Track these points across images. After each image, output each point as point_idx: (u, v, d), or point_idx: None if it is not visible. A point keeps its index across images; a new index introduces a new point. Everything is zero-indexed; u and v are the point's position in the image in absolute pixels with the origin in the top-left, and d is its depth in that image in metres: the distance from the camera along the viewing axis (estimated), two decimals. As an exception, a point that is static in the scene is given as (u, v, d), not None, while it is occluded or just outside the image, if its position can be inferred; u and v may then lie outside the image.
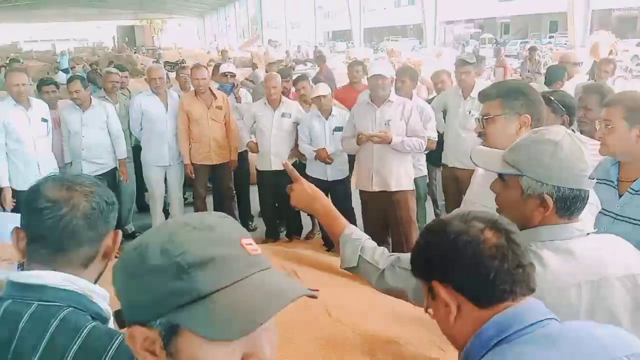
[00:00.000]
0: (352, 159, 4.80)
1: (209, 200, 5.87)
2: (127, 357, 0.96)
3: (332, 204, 1.72)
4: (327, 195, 4.92)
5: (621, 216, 2.11)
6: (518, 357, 0.92)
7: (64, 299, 1.05)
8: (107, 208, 1.13)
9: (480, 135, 2.08)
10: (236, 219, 5.42)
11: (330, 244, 5.12)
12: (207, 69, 5.25)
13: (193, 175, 5.24)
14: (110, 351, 0.99)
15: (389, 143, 3.90)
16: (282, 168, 4.97)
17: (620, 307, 1.28)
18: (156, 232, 0.70)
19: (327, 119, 4.76)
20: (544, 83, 5.29)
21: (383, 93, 3.99)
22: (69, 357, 0.99)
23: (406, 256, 1.46)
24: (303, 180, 1.75)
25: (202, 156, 5.17)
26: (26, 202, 1.09)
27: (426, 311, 1.14)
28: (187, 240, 0.67)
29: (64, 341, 1.00)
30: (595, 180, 1.38)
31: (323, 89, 4.75)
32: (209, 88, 5.14)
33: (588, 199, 1.35)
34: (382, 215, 4.21)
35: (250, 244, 0.70)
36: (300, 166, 5.29)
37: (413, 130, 3.99)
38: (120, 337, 1.02)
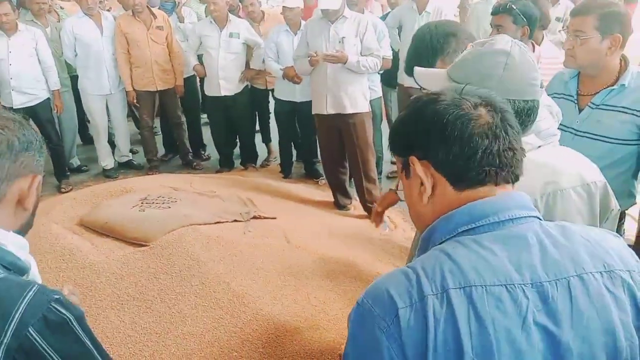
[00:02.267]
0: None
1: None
2: (42, 311, 0.87)
3: None
4: (294, 117, 4.83)
5: (581, 131, 2.07)
6: (457, 251, 0.84)
7: None
8: (18, 146, 0.97)
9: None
10: (187, 148, 5.28)
11: (286, 171, 5.04)
12: (143, -15, 4.80)
13: (136, 102, 4.95)
14: (22, 305, 0.86)
15: (345, 63, 3.72)
16: (232, 93, 4.81)
17: (578, 218, 1.27)
18: None
19: (295, 34, 4.49)
20: None
21: (336, 8, 3.75)
22: None
23: None
24: None
25: (145, 82, 4.86)
26: None
27: (395, 190, 1.06)
28: None
29: None
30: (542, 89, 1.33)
31: (290, 1, 4.42)
32: (147, 7, 4.75)
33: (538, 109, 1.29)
34: (338, 139, 4.11)
35: None
36: (256, 91, 5.08)
37: (368, 48, 3.81)
38: (35, 288, 0.89)
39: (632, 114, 1.96)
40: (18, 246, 0.97)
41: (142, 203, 3.50)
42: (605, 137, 2.02)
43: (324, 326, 2.66)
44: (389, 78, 4.73)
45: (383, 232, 3.95)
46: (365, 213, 4.20)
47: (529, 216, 0.88)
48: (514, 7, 2.62)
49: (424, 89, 1.46)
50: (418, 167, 0.91)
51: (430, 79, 1.45)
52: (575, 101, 2.12)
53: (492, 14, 2.74)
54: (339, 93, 3.87)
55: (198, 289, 2.80)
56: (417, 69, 1.56)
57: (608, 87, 2.01)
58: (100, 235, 3.28)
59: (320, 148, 4.38)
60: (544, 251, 0.84)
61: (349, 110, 3.91)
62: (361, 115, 3.95)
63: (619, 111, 1.98)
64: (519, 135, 0.93)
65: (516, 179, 0.92)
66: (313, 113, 4.12)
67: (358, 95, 3.92)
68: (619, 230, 2.14)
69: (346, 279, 3.15)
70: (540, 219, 0.90)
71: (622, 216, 2.16)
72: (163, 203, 3.50)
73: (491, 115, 0.90)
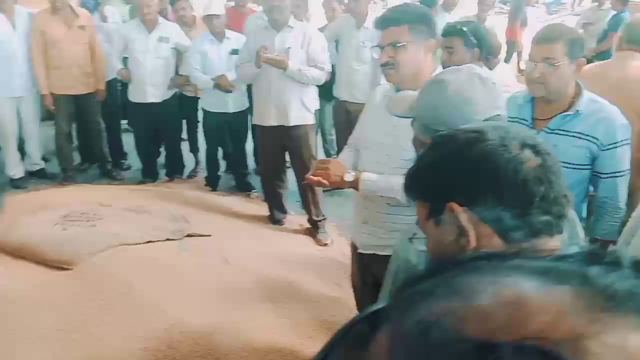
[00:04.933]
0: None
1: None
2: None
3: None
4: (224, 129, 4.61)
5: (537, 157, 2.09)
6: None
7: None
8: None
9: (387, 65, 1.95)
10: (106, 157, 4.90)
11: (214, 184, 4.82)
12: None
13: (53, 107, 4.53)
14: None
15: (285, 69, 3.58)
16: (159, 100, 4.53)
17: None
18: None
19: (221, 41, 4.30)
20: None
21: (279, 16, 3.61)
22: None
23: None
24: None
25: (64, 85, 4.46)
26: None
27: (410, 240, 0.94)
28: None
29: None
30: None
31: (216, 7, 4.22)
32: (69, 5, 4.36)
33: None
34: (280, 151, 3.97)
35: None
36: (184, 98, 4.83)
37: (313, 59, 3.70)
38: None
39: (586, 140, 2.01)
40: None
41: (63, 220, 3.17)
42: (560, 162, 2.04)
43: (273, 355, 2.52)
44: (325, 91, 4.66)
45: (323, 243, 3.87)
46: (309, 226, 4.09)
47: None
48: (465, 29, 2.64)
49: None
50: (463, 217, 0.79)
51: (401, 106, 1.44)
52: (531, 125, 2.14)
53: (443, 35, 2.75)
54: (282, 104, 3.73)
55: (131, 317, 2.56)
56: (395, 95, 1.53)
57: (563, 112, 2.05)
58: (15, 258, 2.93)
59: (261, 160, 4.21)
60: None
61: (293, 122, 3.78)
62: (305, 127, 3.84)
63: (574, 136, 2.02)
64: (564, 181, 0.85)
65: (563, 227, 0.84)
66: (255, 123, 3.95)
67: (302, 107, 3.79)
68: None
69: (289, 300, 3.04)
70: None
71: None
72: (87, 220, 3.20)
73: (540, 157, 0.81)
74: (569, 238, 1.34)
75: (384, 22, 1.97)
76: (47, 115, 5.01)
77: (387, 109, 1.47)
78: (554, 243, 0.81)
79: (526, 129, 0.88)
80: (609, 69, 2.92)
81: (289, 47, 3.63)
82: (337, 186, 2.15)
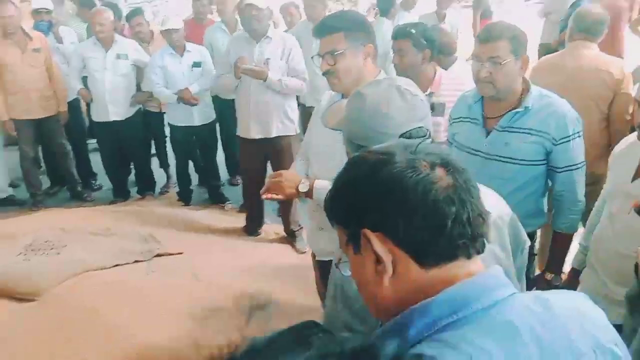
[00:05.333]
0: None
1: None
2: None
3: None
4: (192, 142, 4.55)
5: (489, 154, 2.09)
6: (446, 358, 0.69)
7: None
8: None
9: (328, 73, 1.95)
10: (75, 179, 4.82)
11: (187, 198, 4.76)
12: (13, 3, 4.32)
13: (15, 133, 4.45)
14: None
15: (264, 80, 3.53)
16: (122, 118, 4.47)
17: (491, 258, 1.19)
18: None
19: (182, 55, 4.24)
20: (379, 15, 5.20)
21: (258, 26, 3.55)
22: None
23: None
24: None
25: (23, 110, 4.37)
26: None
27: (337, 263, 0.91)
28: None
29: None
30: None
31: (174, 22, 4.17)
32: (21, 28, 4.28)
33: None
34: (262, 162, 3.92)
35: None
36: (150, 114, 4.77)
37: (294, 69, 3.64)
38: None
39: (538, 135, 2.00)
40: None
41: (26, 250, 3.10)
42: (514, 159, 2.05)
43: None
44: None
45: (301, 251, 3.84)
46: (285, 235, 4.06)
47: (509, 295, 0.77)
48: (413, 32, 2.63)
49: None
50: (376, 242, 0.76)
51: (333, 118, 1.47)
52: (482, 124, 2.13)
53: (393, 38, 2.74)
54: (263, 116, 3.68)
55: (99, 345, 2.51)
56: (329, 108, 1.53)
57: (513, 109, 2.04)
58: (-24, 293, 2.85)
59: (242, 171, 4.16)
60: (537, 338, 0.73)
61: (275, 134, 3.73)
62: (288, 138, 3.79)
63: (526, 133, 2.02)
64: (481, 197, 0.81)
65: (484, 247, 0.80)
66: (237, 134, 3.90)
67: (284, 118, 3.74)
68: (530, 264, 2.18)
69: (263, 312, 3.00)
70: (516, 294, 0.79)
71: (533, 235, 2.20)
72: (51, 249, 3.13)
73: (452, 176, 0.77)
74: (514, 242, 1.33)
75: (320, 31, 1.95)
76: (11, 141, 4.92)
77: (322, 121, 1.46)
78: (473, 265, 0.79)
79: (439, 146, 0.85)
80: (564, 59, 2.94)
81: (268, 58, 3.57)
82: (292, 197, 2.13)
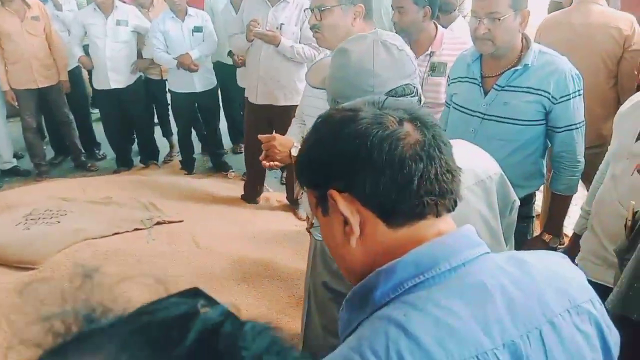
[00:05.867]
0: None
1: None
2: None
3: None
4: (194, 109, 4.51)
5: (488, 115, 2.02)
6: (411, 319, 0.66)
7: None
8: None
9: (314, 28, 1.93)
10: (79, 149, 4.81)
11: (189, 167, 4.74)
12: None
13: (16, 103, 4.43)
14: None
15: (277, 45, 3.43)
16: (123, 85, 4.42)
17: (476, 217, 1.19)
18: None
19: (183, 20, 4.16)
20: None
21: None
22: None
23: None
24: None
25: (24, 79, 4.34)
26: None
27: (309, 229, 0.88)
28: None
29: None
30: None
31: None
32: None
33: None
34: (266, 129, 3.86)
35: None
36: (151, 82, 4.71)
37: (307, 37, 3.44)
38: None
39: (537, 94, 1.93)
40: None
41: (26, 220, 3.11)
42: (512, 119, 1.97)
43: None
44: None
45: (302, 218, 3.83)
46: (287, 203, 4.03)
47: (481, 254, 0.73)
48: (413, -14, 2.52)
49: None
50: (342, 203, 0.73)
51: (314, 75, 1.43)
52: (480, 84, 2.05)
53: (392, -6, 2.63)
54: (271, 83, 3.58)
55: (98, 312, 2.52)
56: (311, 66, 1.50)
57: (512, 67, 1.96)
58: (-23, 262, 2.87)
59: (245, 135, 4.09)
60: (509, 298, 0.70)
61: (282, 102, 3.63)
62: (295, 108, 3.72)
63: (524, 92, 1.94)
64: (452, 153, 0.77)
65: (455, 206, 0.76)
66: (245, 96, 3.83)
67: (293, 87, 3.63)
68: (528, 226, 2.12)
69: (264, 279, 3.00)
70: (488, 253, 0.75)
71: (532, 197, 2.14)
72: (51, 218, 3.13)
73: (420, 131, 0.73)
74: (502, 201, 1.28)
75: None
76: (14, 112, 4.91)
77: (306, 79, 1.41)
78: (443, 224, 0.74)
79: (409, 101, 0.80)
80: (571, 15, 2.82)
81: (282, 23, 3.47)
82: (286, 162, 2.08)
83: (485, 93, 2.03)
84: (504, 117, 1.98)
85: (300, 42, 3.53)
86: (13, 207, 3.46)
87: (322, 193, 0.76)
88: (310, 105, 2.07)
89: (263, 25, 3.46)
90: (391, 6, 2.69)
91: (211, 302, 0.47)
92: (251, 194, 4.11)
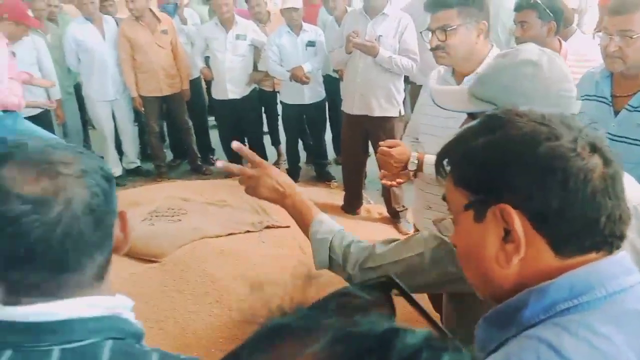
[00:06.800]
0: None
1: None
2: None
3: (301, 194, 1.36)
4: (302, 120, 4.70)
5: (618, 136, 1.93)
6: (563, 342, 0.64)
7: (96, 331, 0.72)
8: (109, 188, 0.75)
9: (437, 48, 1.91)
10: (195, 154, 5.15)
11: (295, 175, 4.91)
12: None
13: (142, 109, 4.83)
14: None
15: (375, 56, 3.52)
16: (239, 96, 4.68)
17: (626, 244, 1.11)
18: None
19: (298, 35, 4.36)
20: None
21: (376, 3, 3.55)
22: None
23: (381, 250, 1.23)
24: (270, 168, 1.36)
25: (151, 87, 4.73)
26: None
27: (435, 222, 0.85)
28: None
29: None
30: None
31: (296, 1, 4.28)
32: (150, 10, 4.61)
33: None
34: (363, 140, 3.94)
35: None
36: (264, 93, 4.95)
37: (405, 50, 3.58)
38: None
39: None
40: (129, 308, 0.80)
41: (151, 216, 3.39)
42: None
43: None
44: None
45: (405, 232, 3.83)
46: (387, 215, 4.06)
47: (637, 283, 0.70)
48: (539, 1, 2.47)
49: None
50: (517, 222, 0.69)
51: (450, 98, 1.33)
52: (611, 104, 1.97)
53: (515, 10, 2.59)
54: (368, 94, 3.68)
55: (213, 307, 2.69)
56: (436, 88, 1.46)
57: (647, 87, 1.87)
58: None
59: (342, 147, 4.21)
60: None
61: (377, 113, 3.72)
62: (391, 120, 3.76)
63: (661, 114, 1.84)
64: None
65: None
66: (342, 109, 3.96)
67: (389, 98, 3.71)
68: None
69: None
70: None
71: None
72: (172, 216, 3.39)
73: (606, 165, 0.69)
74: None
75: (433, 6, 1.93)
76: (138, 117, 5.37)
77: (434, 100, 1.41)
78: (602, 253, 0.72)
79: (592, 126, 0.75)
80: None
81: (380, 35, 3.55)
82: (405, 181, 2.10)
83: (616, 113, 1.95)
84: (636, 139, 1.89)
85: (397, 54, 3.57)
86: (137, 204, 3.78)
87: (486, 200, 0.72)
88: (429, 124, 2.07)
89: (362, 37, 3.54)
90: (513, 21, 2.65)
91: (404, 293, 0.50)
92: (351, 205, 4.18)
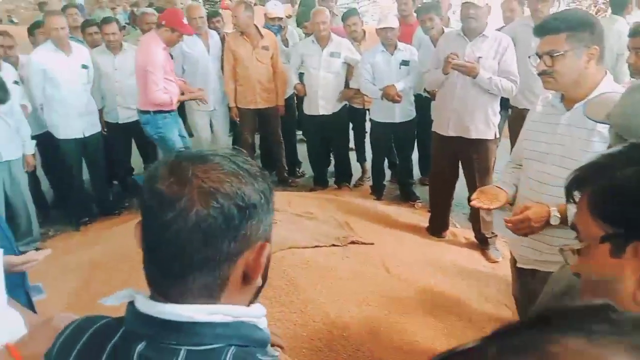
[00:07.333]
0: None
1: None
2: None
3: None
4: (391, 139, 4.72)
5: None
6: None
7: (222, 337, 0.75)
8: (238, 215, 0.73)
9: (544, 73, 1.88)
10: (284, 166, 5.29)
11: (379, 192, 4.92)
12: (251, 7, 4.90)
13: (238, 119, 5.04)
14: None
15: (475, 77, 3.47)
16: (330, 112, 4.77)
17: None
18: None
19: (392, 54, 4.40)
20: (611, 12, 4.77)
21: (476, 25, 3.51)
22: None
23: None
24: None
25: (248, 100, 4.93)
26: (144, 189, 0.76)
27: (562, 250, 0.83)
28: None
29: None
30: None
31: (391, 21, 4.32)
32: (255, 26, 4.82)
33: None
34: (454, 162, 3.88)
35: None
36: (353, 110, 5.02)
37: (505, 71, 3.50)
38: None
39: None
40: (263, 317, 0.84)
41: (243, 224, 3.51)
42: None
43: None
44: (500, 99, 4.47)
45: (492, 260, 3.73)
46: (475, 241, 3.97)
47: None
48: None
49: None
50: None
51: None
52: None
53: (630, 36, 2.49)
54: (464, 115, 3.63)
55: (297, 316, 2.74)
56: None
57: None
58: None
59: (432, 168, 4.17)
60: None
61: (473, 136, 3.66)
62: (486, 142, 3.68)
63: None
64: None
65: None
66: (433, 130, 3.93)
67: (486, 120, 3.64)
68: None
69: (451, 315, 2.98)
70: None
71: None
72: (264, 224, 3.49)
73: None
74: None
75: (541, 30, 1.89)
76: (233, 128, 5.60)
77: (582, 112, 1.39)
78: None
79: None
80: None
81: (479, 57, 3.52)
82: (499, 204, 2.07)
83: None
84: None
85: (497, 75, 3.50)
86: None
87: (628, 235, 0.71)
88: (533, 150, 2.04)
89: (461, 58, 3.49)
90: (627, 46, 2.54)
91: None
92: (437, 228, 4.11)
